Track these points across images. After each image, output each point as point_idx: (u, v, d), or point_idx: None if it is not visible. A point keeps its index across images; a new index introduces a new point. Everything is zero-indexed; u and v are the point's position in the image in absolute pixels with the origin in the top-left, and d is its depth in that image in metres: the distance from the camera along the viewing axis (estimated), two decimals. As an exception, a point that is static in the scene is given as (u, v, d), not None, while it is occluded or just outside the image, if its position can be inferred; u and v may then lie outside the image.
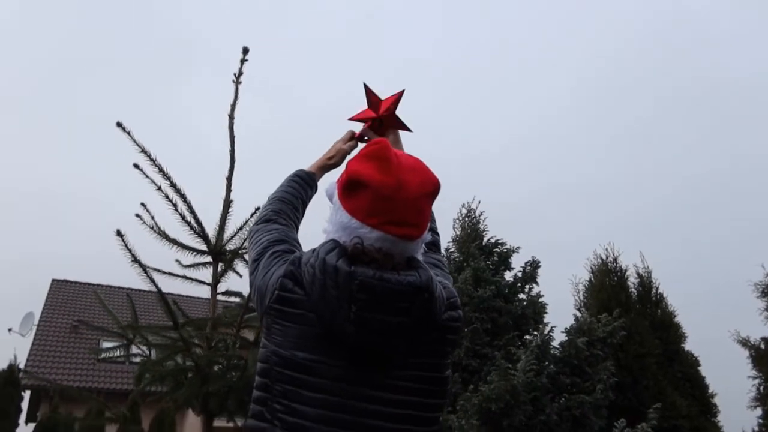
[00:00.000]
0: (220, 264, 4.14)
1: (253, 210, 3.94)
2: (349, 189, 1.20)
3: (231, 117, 4.19)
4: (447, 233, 8.18)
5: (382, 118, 1.78)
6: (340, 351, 1.16)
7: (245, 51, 4.13)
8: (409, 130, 1.80)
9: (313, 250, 1.21)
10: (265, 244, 1.38)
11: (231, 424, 4.05)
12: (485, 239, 7.91)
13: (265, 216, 1.51)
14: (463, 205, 8.22)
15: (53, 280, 17.97)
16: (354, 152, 1.86)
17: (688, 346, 9.81)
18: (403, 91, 1.73)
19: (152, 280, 3.52)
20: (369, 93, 1.77)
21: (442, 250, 7.54)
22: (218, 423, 4.04)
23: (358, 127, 1.86)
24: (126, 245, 3.39)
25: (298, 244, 1.43)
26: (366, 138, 1.84)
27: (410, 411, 1.19)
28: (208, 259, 4.10)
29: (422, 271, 1.18)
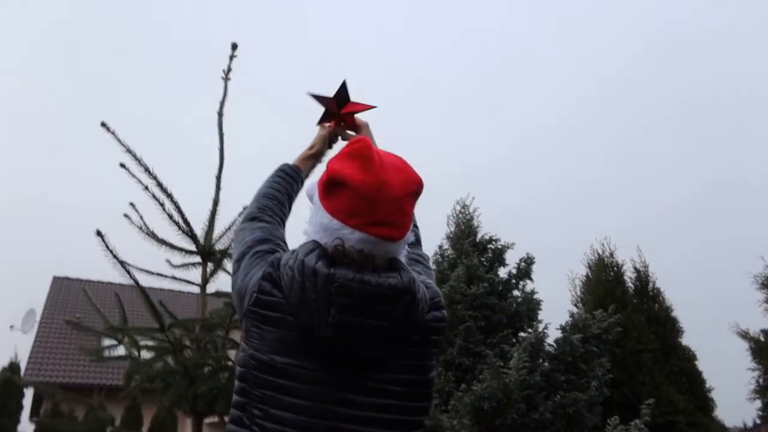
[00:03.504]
0: (209, 264, 4.13)
1: (241, 209, 3.94)
2: (329, 189, 1.18)
3: (220, 114, 4.17)
4: (441, 230, 8.19)
5: (342, 114, 1.75)
6: (320, 355, 1.14)
7: (234, 47, 4.13)
8: (373, 107, 1.76)
9: (293, 252, 1.19)
10: (249, 243, 1.36)
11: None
12: (479, 236, 7.88)
13: (250, 214, 1.49)
14: (457, 202, 8.18)
15: (54, 278, 18.06)
16: (330, 150, 1.85)
17: (686, 340, 9.78)
18: (344, 81, 1.70)
19: (136, 282, 3.51)
20: (319, 99, 1.75)
21: (436, 247, 7.51)
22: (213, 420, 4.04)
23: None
24: (107, 245, 3.36)
25: (284, 242, 1.41)
26: (341, 137, 1.81)
27: (393, 415, 1.17)
28: (197, 259, 4.09)
29: (404, 272, 1.15)
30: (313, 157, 1.74)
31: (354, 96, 1.74)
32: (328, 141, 1.79)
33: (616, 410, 6.37)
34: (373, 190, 1.12)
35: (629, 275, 10.16)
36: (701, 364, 9.66)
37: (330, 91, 1.74)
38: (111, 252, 3.43)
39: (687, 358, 9.55)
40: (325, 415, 1.13)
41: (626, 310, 8.96)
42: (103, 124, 3.68)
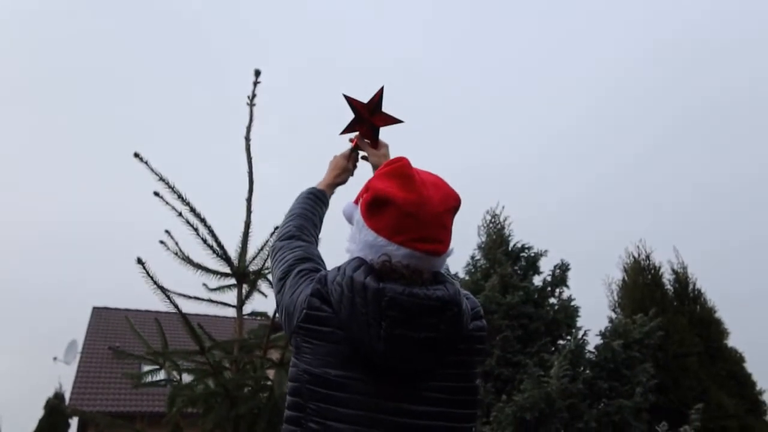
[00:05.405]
0: (244, 285, 4.18)
1: (272, 230, 3.98)
2: (373, 207, 1.23)
3: (247, 139, 4.24)
4: (472, 240, 8.12)
5: (372, 121, 1.77)
6: (371, 366, 1.17)
7: (257, 73, 4.21)
8: (401, 121, 1.79)
9: (339, 268, 1.23)
10: (291, 262, 1.40)
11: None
12: (511, 244, 7.79)
13: (287, 232, 1.53)
14: (487, 211, 8.13)
15: (94, 308, 18.38)
16: (355, 168, 1.89)
17: (731, 342, 9.46)
18: (382, 87, 1.73)
19: (176, 306, 3.55)
20: (351, 101, 1.76)
21: (468, 258, 7.45)
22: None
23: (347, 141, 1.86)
24: (147, 272, 3.43)
25: (322, 261, 1.45)
26: (359, 151, 1.85)
27: (443, 422, 1.20)
28: (232, 281, 4.14)
29: (449, 285, 1.20)
30: (338, 185, 1.80)
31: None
32: (352, 171, 1.84)
33: (663, 417, 6.18)
34: (416, 207, 1.17)
35: (667, 277, 9.92)
36: (750, 366, 9.35)
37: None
38: (152, 278, 3.49)
39: (734, 360, 9.23)
40: (379, 424, 1.15)
41: (667, 313, 8.73)
42: (137, 155, 3.77)
